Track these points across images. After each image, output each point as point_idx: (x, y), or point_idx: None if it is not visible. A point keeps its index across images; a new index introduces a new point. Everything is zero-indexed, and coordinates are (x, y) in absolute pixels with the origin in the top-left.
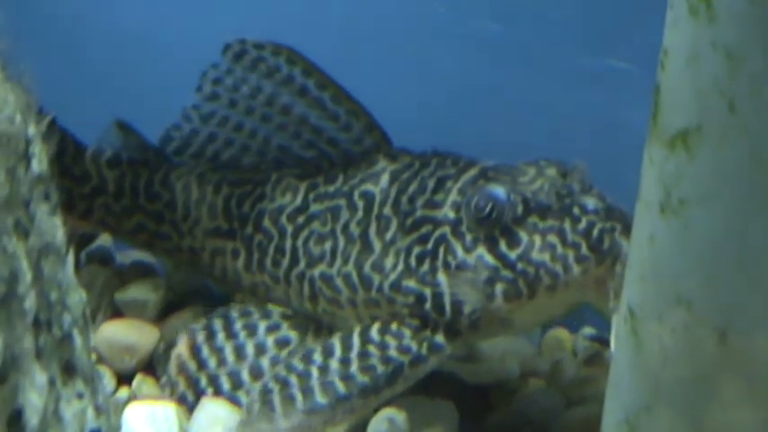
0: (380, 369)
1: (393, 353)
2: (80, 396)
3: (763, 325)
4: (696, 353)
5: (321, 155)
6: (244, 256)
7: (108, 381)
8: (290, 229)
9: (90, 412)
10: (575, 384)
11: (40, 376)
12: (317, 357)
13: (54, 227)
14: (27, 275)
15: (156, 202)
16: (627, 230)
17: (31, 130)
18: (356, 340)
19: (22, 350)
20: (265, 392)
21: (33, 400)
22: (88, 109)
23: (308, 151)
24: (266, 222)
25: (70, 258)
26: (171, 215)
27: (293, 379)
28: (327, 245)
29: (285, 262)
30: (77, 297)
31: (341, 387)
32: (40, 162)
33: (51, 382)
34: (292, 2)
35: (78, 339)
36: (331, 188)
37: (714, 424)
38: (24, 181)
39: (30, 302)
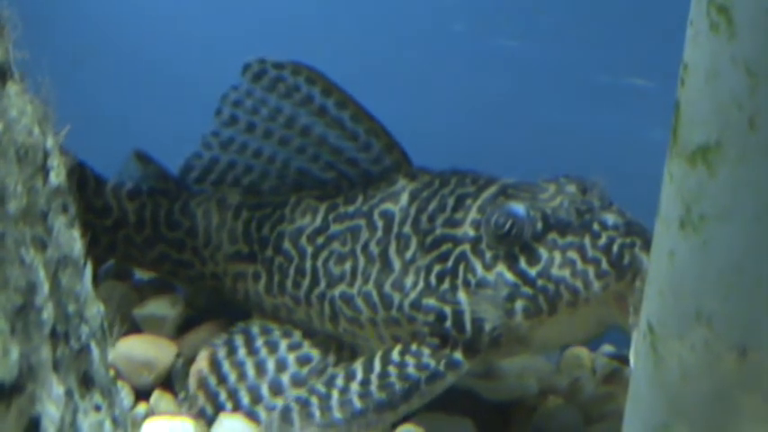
0: (398, 386)
1: (411, 370)
2: (97, 408)
3: None
4: (715, 369)
5: (340, 176)
6: (265, 279)
7: (126, 396)
8: (310, 250)
9: (107, 425)
10: (594, 402)
11: (57, 387)
12: (340, 382)
13: (72, 239)
14: (44, 287)
15: (176, 230)
16: (647, 246)
17: (50, 142)
18: (377, 363)
19: (40, 361)
20: (286, 410)
21: (50, 410)
22: (108, 142)
23: (328, 173)
24: (286, 244)
25: (88, 271)
26: (192, 242)
27: (314, 400)
28: (347, 265)
29: (306, 283)
30: (95, 309)
31: (358, 403)
32: (58, 174)
33: (69, 394)
34: (308, 22)
35: (96, 352)
36: (351, 208)
37: None
38: (42, 193)
39: (47, 314)
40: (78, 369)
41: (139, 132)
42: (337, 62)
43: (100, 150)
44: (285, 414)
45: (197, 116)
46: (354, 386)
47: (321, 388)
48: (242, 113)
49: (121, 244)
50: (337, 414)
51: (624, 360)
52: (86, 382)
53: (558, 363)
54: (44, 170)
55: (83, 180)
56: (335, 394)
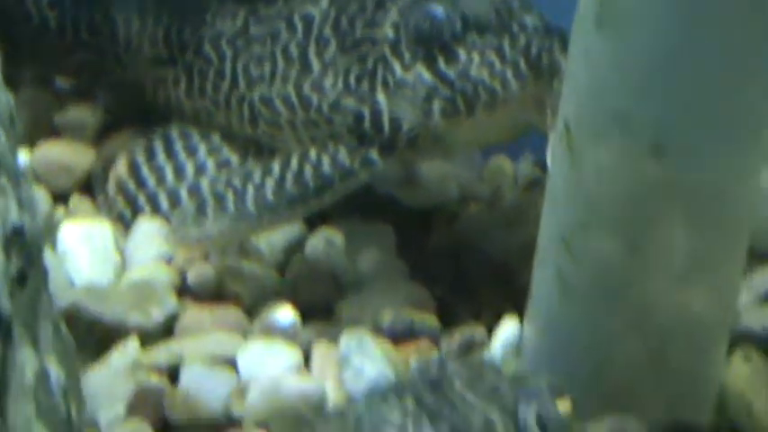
0: (312, 183)
1: (326, 168)
2: (2, 190)
3: (696, 142)
4: (631, 171)
5: None
6: (185, 83)
7: (43, 198)
8: (229, 53)
9: (13, 207)
10: (515, 209)
11: None
12: (256, 177)
13: None
14: None
15: (97, 36)
16: (565, 48)
17: None
18: (294, 162)
19: None
20: (202, 204)
21: None
22: None
23: None
24: (206, 48)
25: None
26: (113, 48)
27: (230, 195)
28: (267, 67)
29: (225, 86)
30: (3, 98)
31: (270, 197)
32: None
33: None
34: None
35: (3, 137)
36: (271, 11)
37: (647, 242)
38: None
39: None
40: None
41: None
42: None
43: None
44: (200, 207)
45: None
46: (270, 182)
47: (238, 183)
48: None
49: (43, 51)
50: (250, 207)
51: (545, 167)
52: None
53: (481, 172)
54: None
55: None
56: (251, 189)
